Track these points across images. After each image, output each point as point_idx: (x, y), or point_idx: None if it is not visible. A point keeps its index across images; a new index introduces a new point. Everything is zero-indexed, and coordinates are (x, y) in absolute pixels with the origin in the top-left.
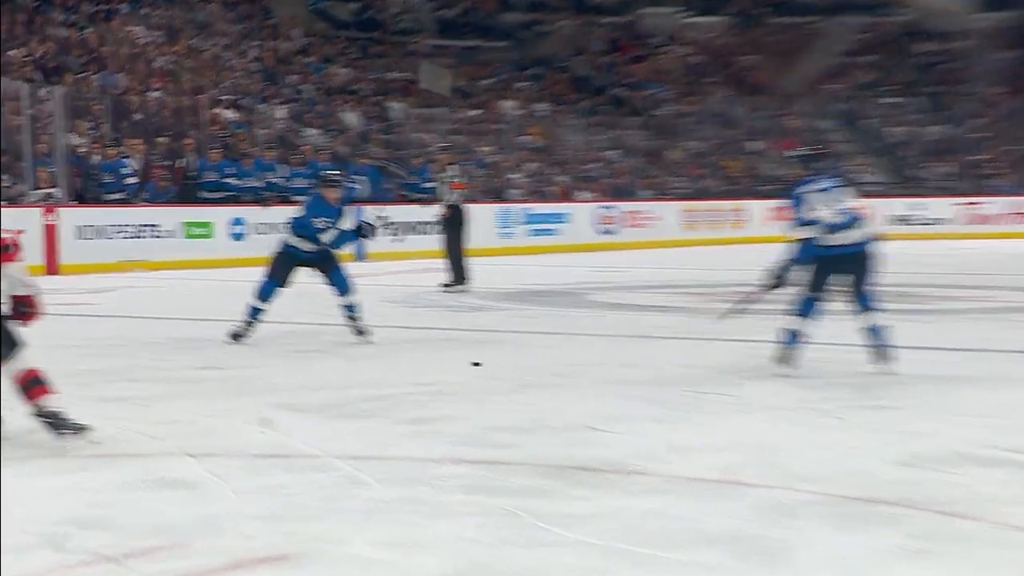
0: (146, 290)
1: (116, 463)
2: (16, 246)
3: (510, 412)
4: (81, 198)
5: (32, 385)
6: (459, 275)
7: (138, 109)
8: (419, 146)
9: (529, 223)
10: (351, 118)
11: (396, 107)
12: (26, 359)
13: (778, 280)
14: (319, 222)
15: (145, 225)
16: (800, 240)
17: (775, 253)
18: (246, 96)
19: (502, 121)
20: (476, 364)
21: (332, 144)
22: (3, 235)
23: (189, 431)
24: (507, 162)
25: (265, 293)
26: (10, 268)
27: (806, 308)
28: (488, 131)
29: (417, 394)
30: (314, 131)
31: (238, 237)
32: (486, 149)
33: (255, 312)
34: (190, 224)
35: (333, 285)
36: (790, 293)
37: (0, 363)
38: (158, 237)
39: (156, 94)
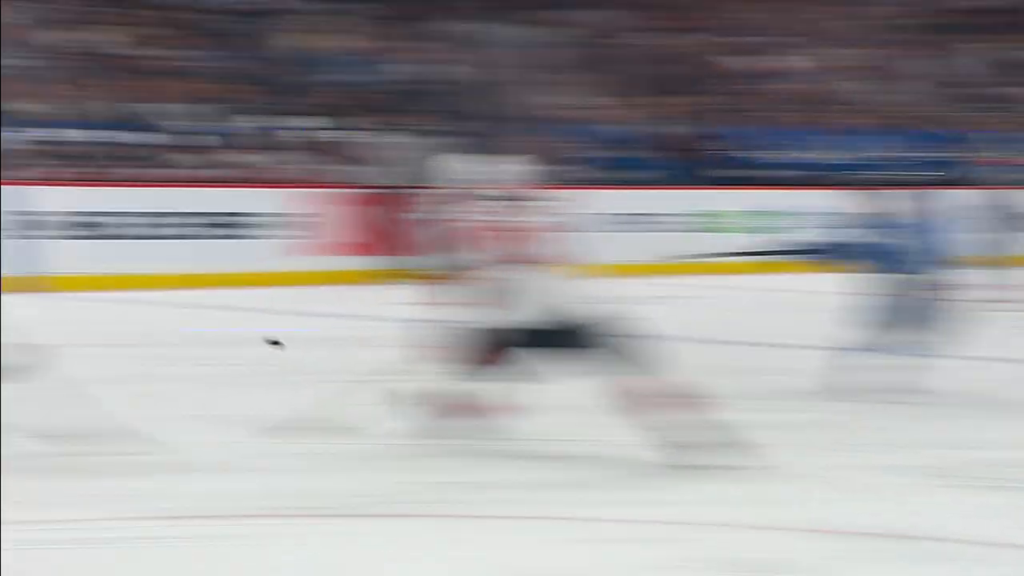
0: (686, 302)
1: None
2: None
3: None
4: (602, 179)
5: (666, 400)
6: None
7: (637, 58)
8: None
9: None
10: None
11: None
12: (649, 374)
13: None
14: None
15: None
16: None
17: None
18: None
19: None
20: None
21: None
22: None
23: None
24: None
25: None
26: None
27: None
28: None
29: None
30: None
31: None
32: None
33: (880, 350)
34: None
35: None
36: None
37: (616, 374)
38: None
39: (657, 35)
